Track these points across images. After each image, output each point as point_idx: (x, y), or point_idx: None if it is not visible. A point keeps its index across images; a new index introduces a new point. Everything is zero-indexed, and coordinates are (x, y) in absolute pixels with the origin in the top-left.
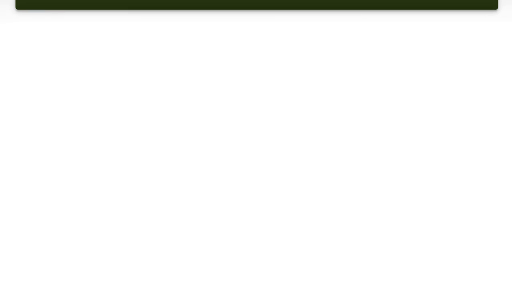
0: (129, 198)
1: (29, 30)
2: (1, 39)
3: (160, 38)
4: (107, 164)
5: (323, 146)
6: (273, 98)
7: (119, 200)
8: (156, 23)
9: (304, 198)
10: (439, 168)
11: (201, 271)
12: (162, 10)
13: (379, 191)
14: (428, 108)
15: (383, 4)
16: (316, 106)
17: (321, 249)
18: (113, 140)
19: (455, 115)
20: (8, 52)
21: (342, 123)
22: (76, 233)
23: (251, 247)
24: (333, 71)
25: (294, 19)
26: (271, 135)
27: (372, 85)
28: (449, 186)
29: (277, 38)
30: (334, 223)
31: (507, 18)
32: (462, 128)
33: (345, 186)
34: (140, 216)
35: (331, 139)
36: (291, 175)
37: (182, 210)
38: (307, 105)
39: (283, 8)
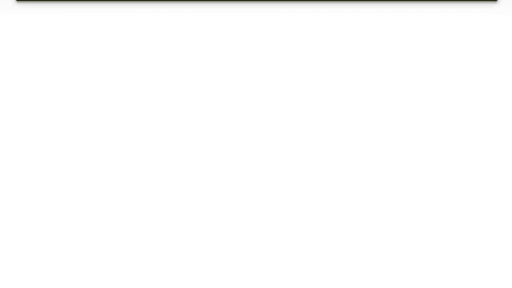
0: (124, 194)
1: (29, 22)
2: (1, 31)
3: (161, 31)
4: (109, 156)
5: (322, 142)
6: (271, 92)
7: (114, 196)
8: (157, 15)
9: (304, 195)
10: (436, 161)
11: (200, 271)
12: (163, 2)
13: (378, 189)
14: (427, 101)
15: None
16: (314, 100)
17: (320, 249)
18: (114, 135)
19: (453, 109)
20: (8, 44)
21: (340, 119)
22: (75, 232)
23: (251, 247)
24: (330, 63)
25: (293, 12)
26: (271, 131)
27: (369, 77)
28: (447, 183)
29: (276, 32)
30: (333, 223)
31: (507, 10)
32: (461, 122)
33: (343, 184)
34: (139, 215)
35: (330, 135)
36: (290, 171)
37: (182, 209)
38: (305, 100)
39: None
